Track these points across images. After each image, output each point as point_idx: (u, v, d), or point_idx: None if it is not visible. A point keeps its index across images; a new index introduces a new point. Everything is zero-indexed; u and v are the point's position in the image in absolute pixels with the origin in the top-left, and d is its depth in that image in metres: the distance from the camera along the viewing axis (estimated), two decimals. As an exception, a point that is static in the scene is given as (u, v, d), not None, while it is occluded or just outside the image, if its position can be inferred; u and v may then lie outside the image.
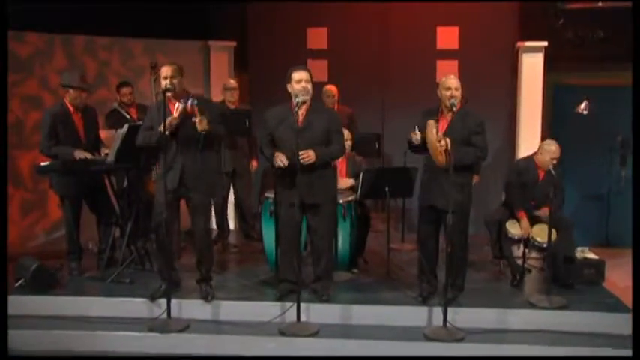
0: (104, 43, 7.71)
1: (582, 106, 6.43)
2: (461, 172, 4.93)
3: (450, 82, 5.05)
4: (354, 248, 5.93)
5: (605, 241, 7.95)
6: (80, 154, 5.55)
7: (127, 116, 6.50)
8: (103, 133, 6.10)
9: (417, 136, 4.95)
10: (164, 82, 4.93)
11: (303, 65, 5.21)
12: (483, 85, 7.48)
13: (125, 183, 5.93)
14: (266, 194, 5.91)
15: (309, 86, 5.02)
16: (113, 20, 7.39)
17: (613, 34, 7.65)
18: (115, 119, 6.47)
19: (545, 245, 5.49)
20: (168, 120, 4.84)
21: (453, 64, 8.06)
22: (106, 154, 5.62)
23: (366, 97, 8.02)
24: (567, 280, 5.52)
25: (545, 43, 7.65)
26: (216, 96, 7.67)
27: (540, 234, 5.58)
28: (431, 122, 4.87)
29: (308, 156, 4.91)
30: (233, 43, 8.16)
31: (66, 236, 5.85)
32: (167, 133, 4.83)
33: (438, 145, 4.79)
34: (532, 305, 5.13)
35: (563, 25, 7.76)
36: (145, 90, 7.27)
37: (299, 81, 4.98)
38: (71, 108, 5.67)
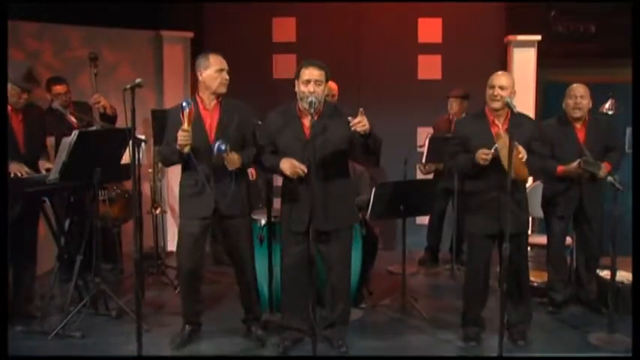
0: (33, 30, 5.97)
1: (607, 105, 5.34)
2: (520, 188, 3.76)
3: (496, 79, 3.85)
4: (362, 279, 4.59)
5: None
6: (18, 169, 3.96)
7: (73, 119, 4.84)
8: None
9: (488, 154, 3.72)
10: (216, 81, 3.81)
11: (317, 61, 3.76)
12: (469, 82, 6.24)
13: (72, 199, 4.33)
14: (254, 215, 4.48)
15: (321, 89, 3.68)
16: (44, 2, 5.72)
17: (605, 29, 6.69)
18: (52, 122, 4.78)
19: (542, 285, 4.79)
20: (179, 135, 3.63)
21: (436, 59, 6.90)
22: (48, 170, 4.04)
23: (340, 96, 6.67)
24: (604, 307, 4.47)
25: (539, 37, 6.60)
26: (170, 94, 6.22)
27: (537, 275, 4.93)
28: (502, 133, 3.66)
29: (363, 123, 3.45)
30: (190, 34, 6.61)
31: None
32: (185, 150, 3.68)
33: (519, 157, 3.57)
34: (595, 348, 3.97)
35: (554, 18, 6.73)
36: (86, 87, 5.68)
37: (307, 82, 3.65)
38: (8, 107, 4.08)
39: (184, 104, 3.57)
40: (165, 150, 3.83)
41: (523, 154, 3.58)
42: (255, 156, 3.87)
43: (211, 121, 3.78)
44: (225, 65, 3.80)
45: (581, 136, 4.48)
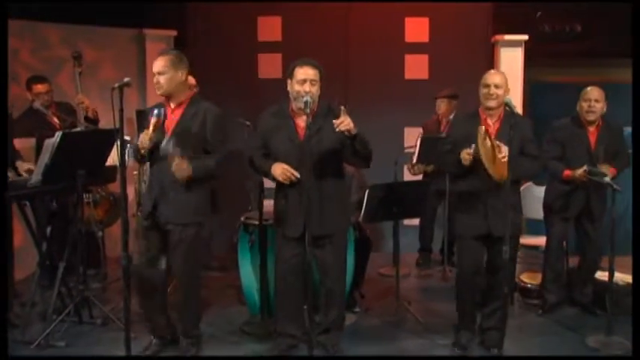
0: (11, 28, 5.68)
1: (600, 105, 5.32)
2: (513, 188, 3.66)
3: (490, 78, 3.73)
4: (354, 282, 4.47)
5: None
6: None
7: (55, 120, 4.64)
8: (18, 142, 4.29)
9: (470, 154, 3.55)
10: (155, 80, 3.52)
11: (311, 59, 3.63)
12: (456, 82, 6.17)
13: (54, 205, 4.15)
14: (244, 218, 4.34)
15: (316, 89, 3.56)
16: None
17: (591, 29, 6.67)
18: (33, 123, 4.62)
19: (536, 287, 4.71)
20: (140, 137, 3.47)
21: (423, 58, 6.80)
22: (29, 171, 3.85)
23: (326, 96, 6.53)
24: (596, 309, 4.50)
25: (526, 37, 6.54)
26: (154, 93, 5.97)
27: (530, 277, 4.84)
28: (482, 129, 3.51)
29: (346, 122, 3.31)
30: (173, 32, 6.42)
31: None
32: (142, 152, 3.52)
33: (499, 155, 3.44)
34: (593, 350, 3.90)
35: (541, 18, 6.68)
36: (65, 87, 5.50)
37: (302, 82, 3.52)
38: None
39: (155, 111, 3.47)
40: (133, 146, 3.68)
41: (505, 153, 3.46)
42: (249, 158, 3.72)
43: (170, 122, 3.58)
44: (157, 68, 3.52)
45: (592, 139, 4.39)
